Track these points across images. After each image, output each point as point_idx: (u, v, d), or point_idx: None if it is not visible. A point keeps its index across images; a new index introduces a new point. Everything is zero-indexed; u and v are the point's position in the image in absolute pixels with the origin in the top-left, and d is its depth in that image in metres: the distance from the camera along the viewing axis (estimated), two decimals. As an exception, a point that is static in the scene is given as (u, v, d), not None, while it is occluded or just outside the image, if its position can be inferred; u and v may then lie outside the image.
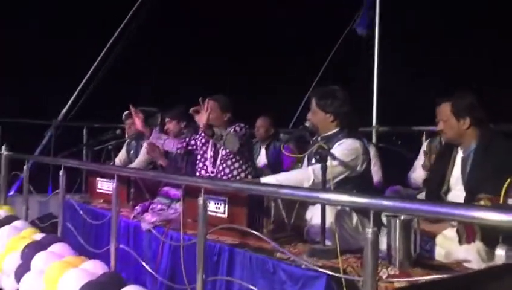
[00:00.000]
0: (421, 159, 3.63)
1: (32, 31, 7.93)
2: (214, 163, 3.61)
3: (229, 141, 3.36)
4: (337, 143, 2.76)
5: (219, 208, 2.89)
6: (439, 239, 2.38)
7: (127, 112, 4.92)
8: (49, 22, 8.04)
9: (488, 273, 0.85)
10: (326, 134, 2.85)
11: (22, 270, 2.99)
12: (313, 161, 2.73)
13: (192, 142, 3.85)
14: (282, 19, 8.84)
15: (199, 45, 9.24)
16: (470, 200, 2.38)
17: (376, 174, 3.77)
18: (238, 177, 3.54)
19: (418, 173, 3.61)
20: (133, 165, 4.65)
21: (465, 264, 2.27)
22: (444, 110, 2.59)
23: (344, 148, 2.73)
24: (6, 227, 3.84)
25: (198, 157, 3.75)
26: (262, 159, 4.84)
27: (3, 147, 4.81)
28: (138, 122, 3.90)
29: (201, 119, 3.39)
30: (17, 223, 3.95)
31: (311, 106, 2.89)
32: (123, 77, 7.61)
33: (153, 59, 8.82)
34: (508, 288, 0.76)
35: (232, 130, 3.52)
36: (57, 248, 3.10)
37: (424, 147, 3.69)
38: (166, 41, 8.94)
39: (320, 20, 8.44)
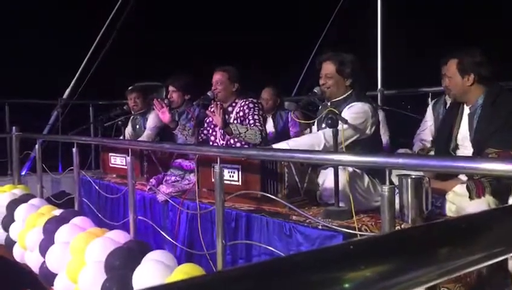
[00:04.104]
0: (427, 120, 3.64)
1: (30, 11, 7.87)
2: (223, 135, 3.55)
3: (249, 137, 3.33)
4: (347, 107, 2.80)
5: (233, 176, 2.95)
6: (449, 195, 2.43)
7: (130, 87, 4.93)
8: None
9: (496, 214, 0.88)
10: (336, 99, 2.89)
11: (46, 244, 3.08)
12: (323, 125, 2.78)
13: (205, 131, 3.75)
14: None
15: (201, 20, 9.19)
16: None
17: (383, 136, 3.82)
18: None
19: (425, 135, 3.62)
20: (142, 138, 4.67)
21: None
22: (450, 66, 2.60)
23: (353, 111, 2.77)
24: (24, 205, 3.93)
25: (209, 130, 3.71)
26: (269, 128, 4.88)
27: (14, 128, 4.86)
28: (166, 116, 3.60)
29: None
30: (34, 201, 4.04)
31: (324, 72, 2.89)
32: (126, 53, 7.59)
33: (156, 34, 8.78)
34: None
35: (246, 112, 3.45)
36: (78, 221, 3.18)
37: (429, 109, 3.68)
38: (169, 16, 8.89)
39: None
